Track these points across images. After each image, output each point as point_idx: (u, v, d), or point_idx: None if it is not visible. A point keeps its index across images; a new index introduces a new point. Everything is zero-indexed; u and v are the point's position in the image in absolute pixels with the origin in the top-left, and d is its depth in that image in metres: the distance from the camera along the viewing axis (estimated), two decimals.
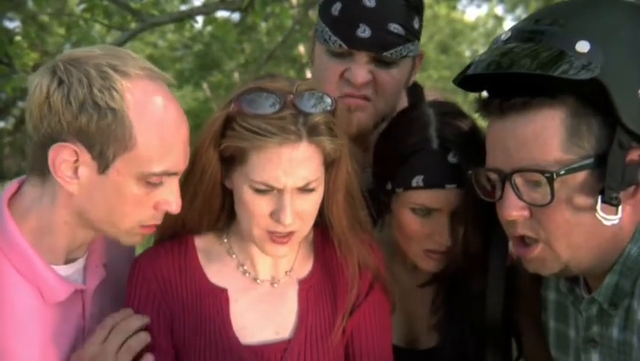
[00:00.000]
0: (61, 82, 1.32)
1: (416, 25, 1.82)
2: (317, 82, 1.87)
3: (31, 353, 1.38)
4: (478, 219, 1.59)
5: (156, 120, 1.35)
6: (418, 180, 1.57)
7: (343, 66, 1.79)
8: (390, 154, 1.64)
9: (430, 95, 2.02)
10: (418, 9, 1.82)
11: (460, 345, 1.71)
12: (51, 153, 1.33)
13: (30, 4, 7.44)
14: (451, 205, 1.59)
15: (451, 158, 1.57)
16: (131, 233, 1.44)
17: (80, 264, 1.50)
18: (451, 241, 1.61)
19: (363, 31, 1.74)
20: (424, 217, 1.61)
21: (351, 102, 1.80)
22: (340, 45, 1.77)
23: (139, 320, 1.47)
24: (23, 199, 1.42)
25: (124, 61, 1.35)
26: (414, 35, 1.82)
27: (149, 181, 1.37)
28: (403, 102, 1.95)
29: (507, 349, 1.76)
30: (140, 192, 1.38)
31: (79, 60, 1.34)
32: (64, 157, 1.33)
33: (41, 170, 1.38)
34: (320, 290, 1.56)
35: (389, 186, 1.63)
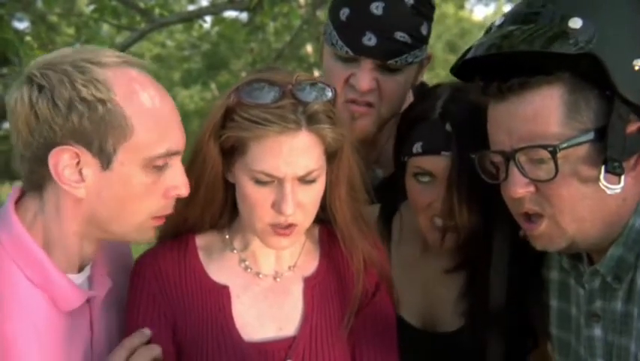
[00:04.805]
0: (41, 88, 1.28)
1: (424, 32, 1.82)
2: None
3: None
4: (474, 190, 1.58)
5: (146, 103, 1.32)
6: (417, 147, 1.62)
7: (349, 71, 1.79)
8: (402, 125, 1.70)
9: None
10: (426, 14, 1.81)
11: (480, 333, 1.68)
12: (51, 160, 1.29)
13: (39, 4, 7.45)
14: (447, 172, 1.60)
15: (449, 127, 1.60)
16: (142, 228, 1.40)
17: (87, 273, 1.46)
18: (447, 205, 1.61)
19: (369, 39, 1.74)
20: (424, 185, 1.63)
21: (354, 109, 1.81)
22: (347, 51, 1.77)
23: (158, 349, 1.45)
24: (27, 211, 1.38)
25: (97, 53, 1.33)
26: (421, 42, 1.81)
27: (155, 165, 1.34)
28: (409, 101, 1.95)
29: (515, 338, 1.72)
30: (149, 179, 1.35)
31: (52, 63, 1.30)
32: (65, 162, 1.29)
33: (38, 185, 1.34)
34: (326, 288, 1.56)
35: (401, 158, 1.67)
